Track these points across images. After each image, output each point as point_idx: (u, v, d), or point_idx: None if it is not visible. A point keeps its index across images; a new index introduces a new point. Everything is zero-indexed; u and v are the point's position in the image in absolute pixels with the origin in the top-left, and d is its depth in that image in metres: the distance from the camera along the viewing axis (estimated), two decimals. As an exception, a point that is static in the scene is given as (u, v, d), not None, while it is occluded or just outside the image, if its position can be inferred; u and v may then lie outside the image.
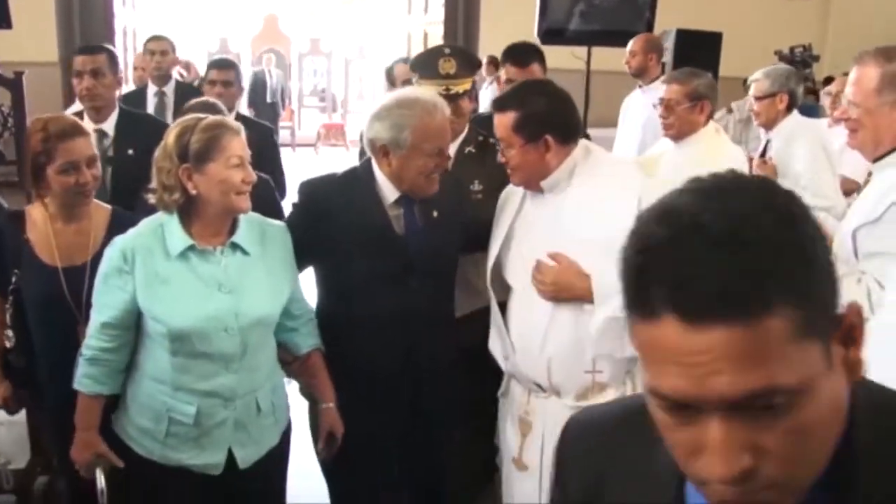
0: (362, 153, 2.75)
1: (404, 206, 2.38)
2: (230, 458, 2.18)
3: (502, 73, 3.61)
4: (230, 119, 2.23)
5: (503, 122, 2.28)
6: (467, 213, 2.56)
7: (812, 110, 6.48)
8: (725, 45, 5.85)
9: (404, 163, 2.31)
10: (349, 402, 2.36)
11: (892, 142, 2.19)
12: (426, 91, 2.48)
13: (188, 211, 2.12)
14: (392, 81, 4.66)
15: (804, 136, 3.73)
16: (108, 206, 2.48)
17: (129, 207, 2.52)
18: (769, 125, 3.86)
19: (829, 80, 6.25)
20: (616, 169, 2.36)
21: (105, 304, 2.12)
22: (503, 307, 2.40)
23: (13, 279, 2.37)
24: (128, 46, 6.70)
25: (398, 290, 2.33)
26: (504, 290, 2.42)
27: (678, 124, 3.38)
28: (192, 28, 16.05)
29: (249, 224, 2.21)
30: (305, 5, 19.58)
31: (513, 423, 2.41)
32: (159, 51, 4.55)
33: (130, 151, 3.10)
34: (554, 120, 2.26)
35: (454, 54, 2.84)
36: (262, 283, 2.18)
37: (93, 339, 2.14)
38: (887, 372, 1.01)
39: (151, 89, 4.50)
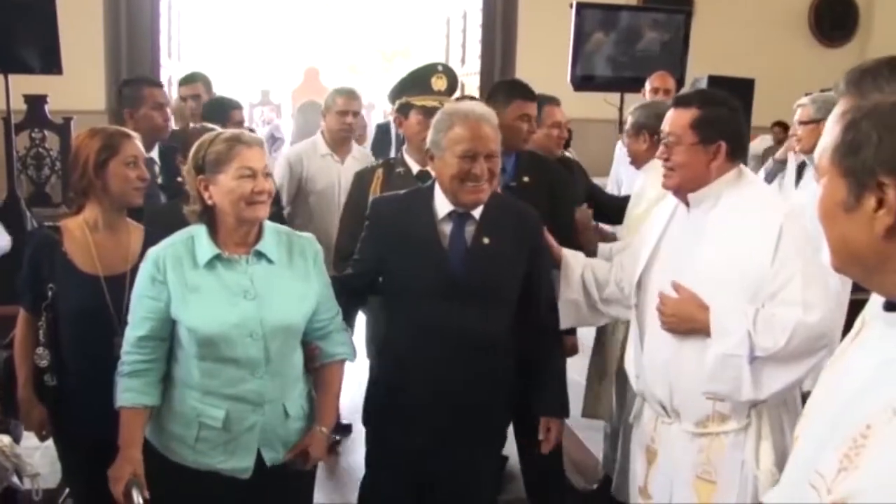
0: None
1: (453, 223, 2.42)
2: (259, 459, 2.23)
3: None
4: (247, 132, 2.27)
5: (682, 117, 2.28)
6: (536, 256, 2.51)
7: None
8: (758, 92, 5.85)
9: (442, 165, 2.37)
10: (385, 408, 2.47)
11: None
12: (473, 102, 2.56)
13: (212, 221, 2.21)
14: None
15: None
16: (141, 226, 2.56)
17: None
18: (809, 151, 3.85)
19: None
20: (763, 201, 2.32)
21: (142, 318, 2.18)
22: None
23: (49, 294, 2.40)
24: (172, 95, 6.94)
25: (441, 307, 2.34)
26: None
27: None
28: (235, 80, 16.52)
29: (276, 234, 2.28)
30: (346, 60, 20.04)
31: (640, 450, 2.43)
32: (190, 95, 4.49)
33: None
34: (732, 130, 2.28)
35: (446, 72, 2.96)
36: (287, 291, 2.23)
37: (130, 355, 2.20)
38: None
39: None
